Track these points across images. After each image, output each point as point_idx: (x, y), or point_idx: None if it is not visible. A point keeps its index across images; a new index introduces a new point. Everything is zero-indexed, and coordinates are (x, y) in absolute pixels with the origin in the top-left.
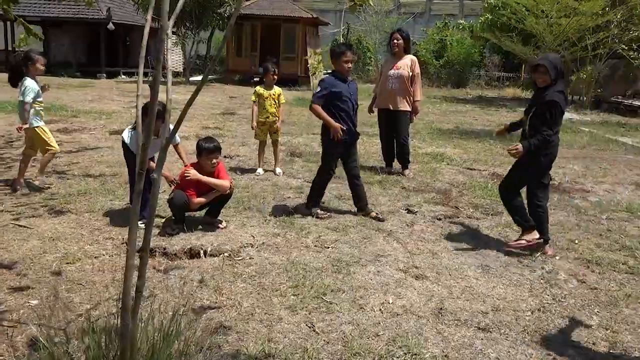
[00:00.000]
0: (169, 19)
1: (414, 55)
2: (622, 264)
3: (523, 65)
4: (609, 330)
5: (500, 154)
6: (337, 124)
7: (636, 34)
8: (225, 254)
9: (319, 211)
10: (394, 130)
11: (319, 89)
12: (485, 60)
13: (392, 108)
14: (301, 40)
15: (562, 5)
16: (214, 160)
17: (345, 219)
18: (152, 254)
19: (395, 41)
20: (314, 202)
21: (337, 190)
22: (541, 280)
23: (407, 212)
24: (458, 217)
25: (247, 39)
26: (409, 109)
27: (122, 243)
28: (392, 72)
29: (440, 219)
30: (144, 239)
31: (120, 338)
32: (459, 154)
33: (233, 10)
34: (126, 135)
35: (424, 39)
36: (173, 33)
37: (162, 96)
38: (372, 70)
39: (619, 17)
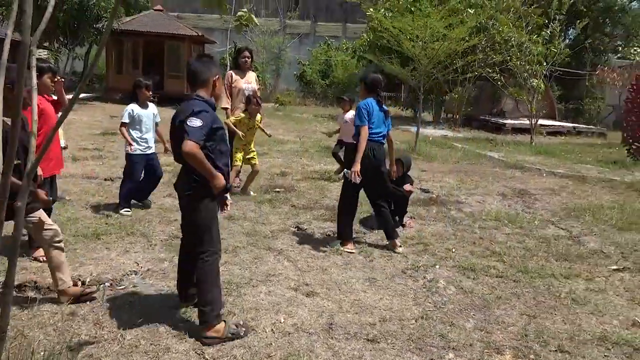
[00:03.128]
0: (32, 35)
1: (300, 73)
2: (493, 268)
3: (402, 86)
4: (483, 332)
5: None
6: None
7: (497, 59)
8: (106, 284)
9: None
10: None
11: (196, 121)
12: None
13: None
14: (187, 58)
15: (433, 31)
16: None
17: (235, 239)
18: (20, 290)
19: (245, 59)
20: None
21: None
22: (423, 289)
23: (297, 230)
24: None
25: (128, 56)
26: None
27: None
28: (246, 85)
29: (329, 235)
30: (7, 273)
31: None
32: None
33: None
34: None
35: (309, 60)
36: (44, 48)
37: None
38: (260, 90)
39: (482, 43)
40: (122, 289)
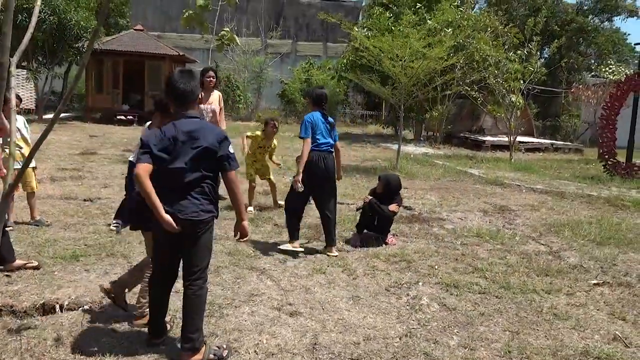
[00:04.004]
0: (11, 56)
1: (282, 92)
2: (475, 284)
3: (383, 104)
4: (467, 349)
5: (365, 187)
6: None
7: (476, 77)
8: (85, 307)
9: None
10: None
11: (232, 148)
12: (350, 99)
13: None
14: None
15: (413, 50)
16: None
17: (217, 259)
18: None
19: (210, 79)
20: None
21: None
22: (407, 307)
23: (280, 249)
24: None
25: (108, 75)
26: None
27: None
28: (205, 106)
29: (312, 254)
30: None
31: None
32: None
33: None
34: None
35: (291, 78)
36: (23, 67)
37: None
38: (242, 108)
39: (461, 62)
40: (101, 311)
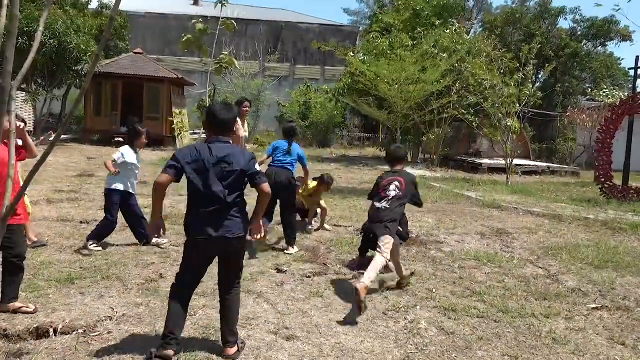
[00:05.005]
0: (13, 79)
1: (280, 115)
2: (474, 308)
3: (380, 127)
4: None
5: (363, 210)
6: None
7: (472, 101)
8: (80, 331)
9: None
10: None
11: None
12: (347, 121)
13: None
14: (166, 100)
15: (409, 74)
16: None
17: (214, 282)
18: None
19: (246, 108)
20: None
21: None
22: (405, 331)
23: (277, 272)
24: (327, 274)
25: (107, 97)
26: None
27: None
28: (244, 134)
29: (309, 277)
30: None
31: None
32: None
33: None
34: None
35: (289, 101)
36: (22, 90)
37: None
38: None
39: (457, 85)
40: (96, 335)
